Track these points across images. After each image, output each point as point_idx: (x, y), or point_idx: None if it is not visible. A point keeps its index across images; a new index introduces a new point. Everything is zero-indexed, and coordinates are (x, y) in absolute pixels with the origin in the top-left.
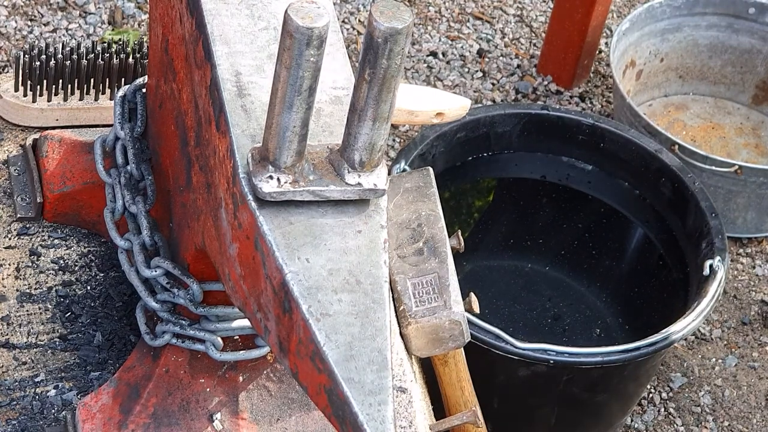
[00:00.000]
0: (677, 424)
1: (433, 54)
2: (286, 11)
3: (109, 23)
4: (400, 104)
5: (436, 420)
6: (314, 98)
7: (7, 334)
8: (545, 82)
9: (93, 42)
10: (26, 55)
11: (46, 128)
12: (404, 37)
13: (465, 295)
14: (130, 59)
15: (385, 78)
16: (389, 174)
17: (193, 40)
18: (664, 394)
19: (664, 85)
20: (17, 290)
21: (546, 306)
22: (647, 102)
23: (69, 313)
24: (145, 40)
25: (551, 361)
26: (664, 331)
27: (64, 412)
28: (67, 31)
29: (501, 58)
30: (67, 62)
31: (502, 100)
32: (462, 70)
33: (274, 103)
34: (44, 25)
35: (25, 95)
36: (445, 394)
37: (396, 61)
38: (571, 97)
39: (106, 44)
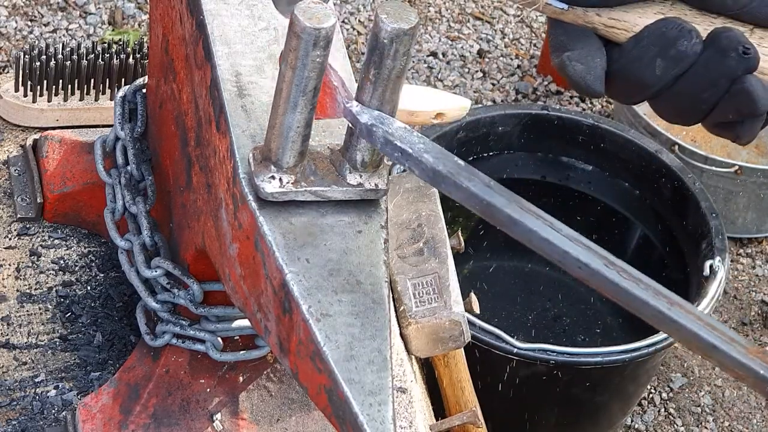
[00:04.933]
0: (677, 425)
1: (433, 54)
2: (293, 12)
3: (109, 23)
4: (399, 105)
5: (436, 420)
6: (318, 99)
7: (7, 334)
8: (545, 83)
9: (93, 42)
10: (26, 56)
11: (46, 128)
12: (410, 38)
13: (465, 296)
14: (130, 59)
15: (389, 79)
16: (390, 174)
17: (193, 41)
18: (664, 394)
19: None
20: (17, 290)
21: (546, 306)
22: None
23: (69, 314)
24: (145, 40)
25: (551, 362)
26: None
27: (64, 413)
28: (67, 32)
29: (501, 58)
30: (67, 62)
31: (502, 101)
32: (462, 70)
33: (278, 104)
34: (44, 25)
35: (25, 95)
36: (445, 394)
37: (401, 62)
38: (571, 97)
39: (106, 44)
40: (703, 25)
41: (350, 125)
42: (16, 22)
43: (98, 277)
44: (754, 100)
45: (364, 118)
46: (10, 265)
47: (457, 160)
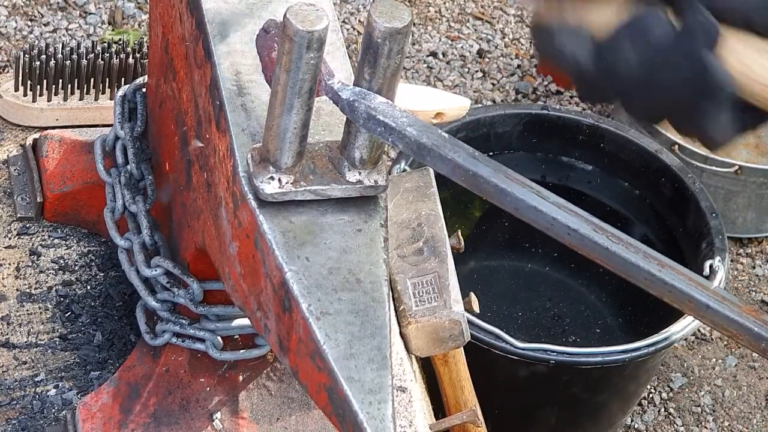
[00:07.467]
0: (677, 425)
1: (433, 54)
2: (285, 15)
3: (109, 23)
4: (399, 104)
5: (436, 420)
6: (314, 99)
7: (7, 334)
8: (545, 82)
9: (93, 42)
10: (26, 55)
11: (46, 128)
12: (404, 37)
13: (465, 295)
14: (130, 59)
15: (385, 77)
16: (389, 174)
17: (193, 40)
18: (664, 394)
19: None
20: (17, 290)
21: (546, 306)
22: None
23: (69, 313)
24: (145, 40)
25: (551, 361)
26: (664, 331)
27: (64, 412)
28: (67, 31)
29: (501, 58)
30: (67, 62)
31: (502, 100)
32: (462, 70)
33: (274, 105)
34: (44, 25)
35: (25, 95)
36: (445, 394)
37: (395, 61)
38: (571, 97)
39: (106, 44)
40: None
41: (347, 119)
42: (16, 21)
43: (98, 277)
44: (711, 75)
45: (346, 94)
46: (10, 264)
47: (441, 133)
